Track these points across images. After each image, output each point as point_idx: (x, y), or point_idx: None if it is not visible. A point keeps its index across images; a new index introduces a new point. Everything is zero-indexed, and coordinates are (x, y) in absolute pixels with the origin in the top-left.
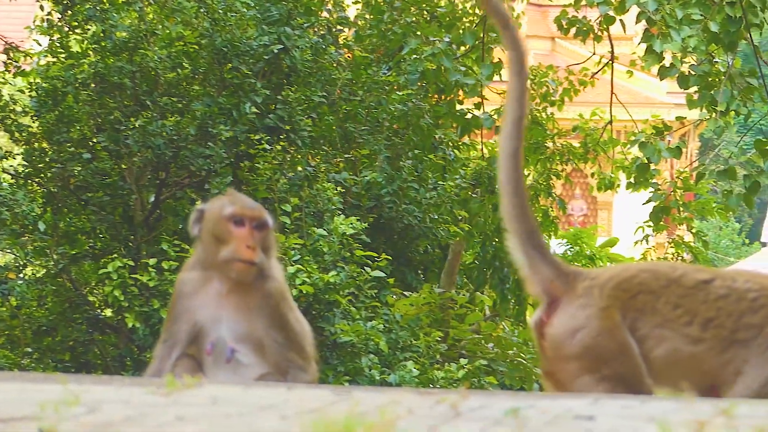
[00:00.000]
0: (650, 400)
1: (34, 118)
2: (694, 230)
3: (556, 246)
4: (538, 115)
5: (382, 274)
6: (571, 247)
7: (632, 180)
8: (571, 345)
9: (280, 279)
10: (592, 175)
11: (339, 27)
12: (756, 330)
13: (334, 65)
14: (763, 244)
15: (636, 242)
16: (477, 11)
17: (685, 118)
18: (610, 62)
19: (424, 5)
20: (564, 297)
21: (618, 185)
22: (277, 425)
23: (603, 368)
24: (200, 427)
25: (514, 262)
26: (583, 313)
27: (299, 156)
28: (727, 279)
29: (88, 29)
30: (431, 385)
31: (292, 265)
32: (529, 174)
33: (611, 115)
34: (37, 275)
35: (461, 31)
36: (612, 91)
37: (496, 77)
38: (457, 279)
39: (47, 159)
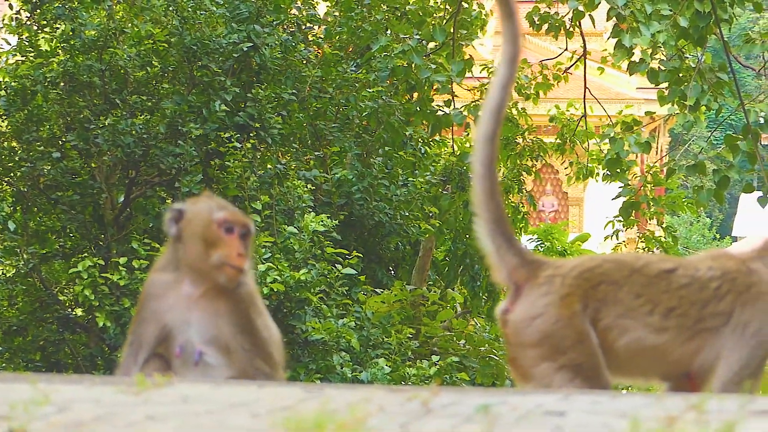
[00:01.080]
0: (621, 396)
1: (4, 117)
2: (664, 225)
3: (527, 242)
4: (509, 111)
5: (353, 272)
6: (542, 243)
7: (608, 171)
8: (530, 332)
9: (251, 284)
10: (570, 164)
11: (309, 24)
12: (725, 317)
13: (304, 63)
14: (734, 239)
15: (606, 237)
16: (447, 7)
17: (655, 113)
18: (583, 57)
19: (393, 3)
20: (526, 284)
21: (597, 174)
22: (248, 423)
23: (560, 357)
24: (171, 425)
25: (481, 249)
26: (542, 300)
27: (269, 154)
28: (690, 268)
29: (57, 28)
30: (403, 383)
31: (263, 263)
32: (499, 170)
33: (585, 109)
34: (8, 275)
35: (431, 28)
36: (585, 85)
37: (467, 74)
38: (429, 276)
39: (17, 158)
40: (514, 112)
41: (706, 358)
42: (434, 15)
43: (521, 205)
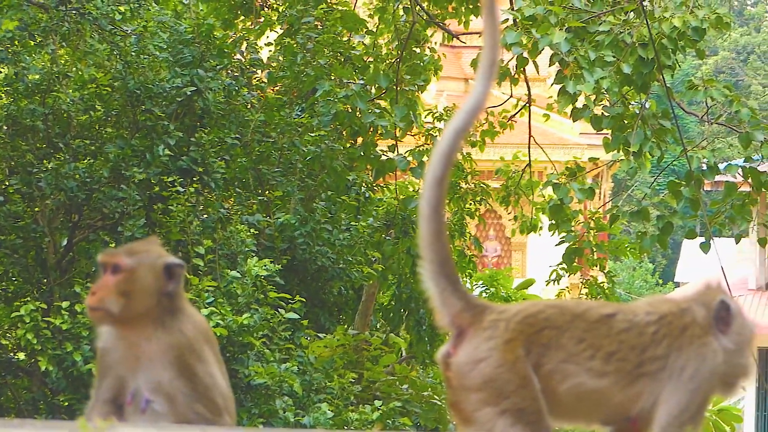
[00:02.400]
0: None
1: None
2: (606, 270)
3: (475, 288)
4: None
5: (296, 316)
6: (487, 289)
7: (553, 221)
8: (473, 376)
9: (191, 329)
10: (515, 218)
11: (252, 69)
12: (662, 361)
13: (247, 107)
14: (677, 285)
15: (547, 282)
16: (394, 52)
17: (598, 159)
18: (528, 105)
19: (337, 48)
20: (470, 329)
21: (540, 228)
22: None
23: (503, 401)
24: None
25: (425, 292)
26: (486, 344)
27: (212, 198)
28: (629, 313)
29: (0, 72)
30: (346, 427)
31: (206, 308)
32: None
33: (530, 157)
34: None
35: (381, 72)
36: (530, 134)
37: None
38: (373, 320)
39: None
40: (459, 155)
41: (646, 402)
42: (381, 60)
43: (466, 248)
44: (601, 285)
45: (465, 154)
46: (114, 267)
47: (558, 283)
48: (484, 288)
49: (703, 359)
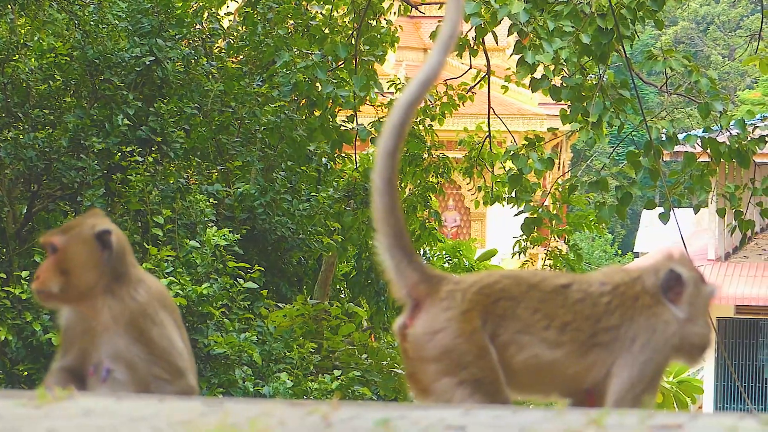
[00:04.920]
0: (522, 410)
1: None
2: (570, 243)
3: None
4: (416, 127)
5: (256, 286)
6: (450, 259)
7: (513, 194)
8: (431, 347)
9: (136, 296)
10: (479, 189)
11: (212, 38)
12: (615, 331)
13: (207, 77)
14: (636, 255)
15: (513, 254)
16: (354, 24)
17: (558, 129)
18: (487, 77)
19: (297, 18)
20: (427, 300)
21: (503, 199)
22: None
23: (461, 372)
24: None
25: (381, 264)
26: (443, 315)
27: (172, 168)
28: (584, 283)
29: None
30: (305, 397)
31: (165, 277)
32: (405, 186)
33: (489, 129)
34: None
35: (339, 43)
36: (489, 105)
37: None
38: (332, 290)
39: None
40: (421, 127)
41: (599, 373)
42: (339, 31)
43: (427, 221)
44: (566, 256)
45: (427, 126)
46: (51, 247)
47: (525, 255)
48: (447, 258)
49: (654, 330)
